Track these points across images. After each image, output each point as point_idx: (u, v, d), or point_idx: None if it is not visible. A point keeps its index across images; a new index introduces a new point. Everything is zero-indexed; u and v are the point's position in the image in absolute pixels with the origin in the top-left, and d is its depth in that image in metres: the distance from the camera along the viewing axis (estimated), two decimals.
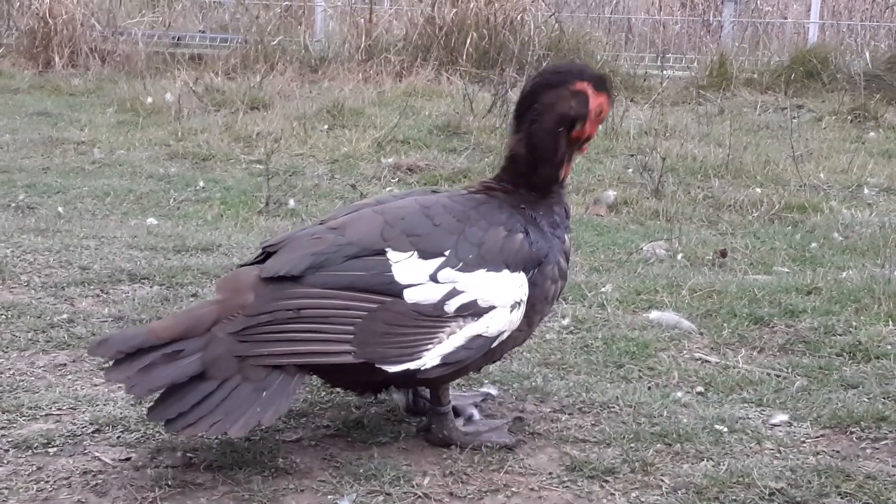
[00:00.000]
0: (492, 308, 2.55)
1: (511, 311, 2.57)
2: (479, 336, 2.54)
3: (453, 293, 2.52)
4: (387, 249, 2.53)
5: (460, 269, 2.53)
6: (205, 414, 2.37)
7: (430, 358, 2.49)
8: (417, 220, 2.59)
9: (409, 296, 2.50)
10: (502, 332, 2.58)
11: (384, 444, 2.67)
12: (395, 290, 2.50)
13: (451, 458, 2.61)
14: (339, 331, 2.46)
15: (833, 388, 3.10)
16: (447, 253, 2.54)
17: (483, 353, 2.58)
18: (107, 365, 2.50)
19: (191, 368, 2.41)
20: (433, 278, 2.52)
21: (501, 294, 2.55)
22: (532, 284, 2.62)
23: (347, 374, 2.59)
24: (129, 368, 2.41)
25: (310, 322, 2.46)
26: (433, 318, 2.51)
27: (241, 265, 2.77)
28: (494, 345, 2.59)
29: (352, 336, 2.45)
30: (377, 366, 2.47)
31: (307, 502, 2.40)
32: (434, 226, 2.58)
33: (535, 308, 2.65)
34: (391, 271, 2.51)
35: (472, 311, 2.53)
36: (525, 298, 2.60)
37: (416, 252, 2.53)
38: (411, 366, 2.48)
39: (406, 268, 2.51)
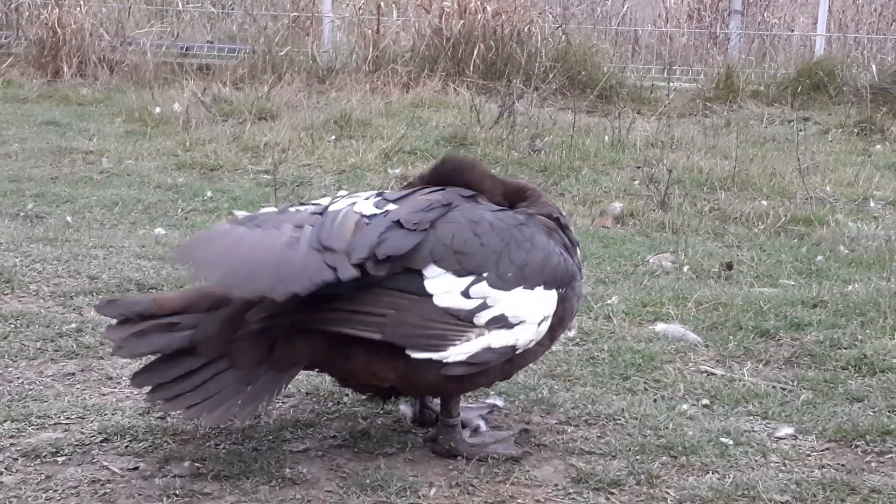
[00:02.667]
0: (522, 322, 2.56)
1: (539, 325, 2.59)
2: (506, 345, 2.55)
3: (483, 307, 2.52)
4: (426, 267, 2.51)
5: (497, 287, 2.52)
6: (184, 391, 2.41)
7: (454, 353, 2.49)
8: (465, 237, 2.55)
9: (439, 301, 2.49)
10: (529, 342, 2.59)
11: (391, 455, 2.68)
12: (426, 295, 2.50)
13: (457, 470, 2.62)
14: (371, 312, 2.45)
15: (838, 401, 3.10)
16: (486, 274, 2.53)
17: (507, 360, 2.57)
18: (111, 323, 2.57)
19: (179, 341, 2.44)
20: (465, 294, 2.51)
21: (532, 310, 2.57)
22: (562, 299, 2.65)
23: (365, 364, 2.53)
24: (125, 330, 2.48)
25: (342, 301, 2.45)
26: (464, 321, 2.51)
27: None
28: (518, 351, 2.59)
29: (383, 319, 2.44)
30: (399, 346, 2.45)
31: None
32: (480, 245, 2.56)
33: (563, 322, 2.69)
34: (423, 283, 2.50)
35: (503, 323, 2.54)
36: (552, 314, 2.62)
37: (452, 272, 2.50)
38: (434, 356, 2.47)
39: (438, 283, 2.50)
